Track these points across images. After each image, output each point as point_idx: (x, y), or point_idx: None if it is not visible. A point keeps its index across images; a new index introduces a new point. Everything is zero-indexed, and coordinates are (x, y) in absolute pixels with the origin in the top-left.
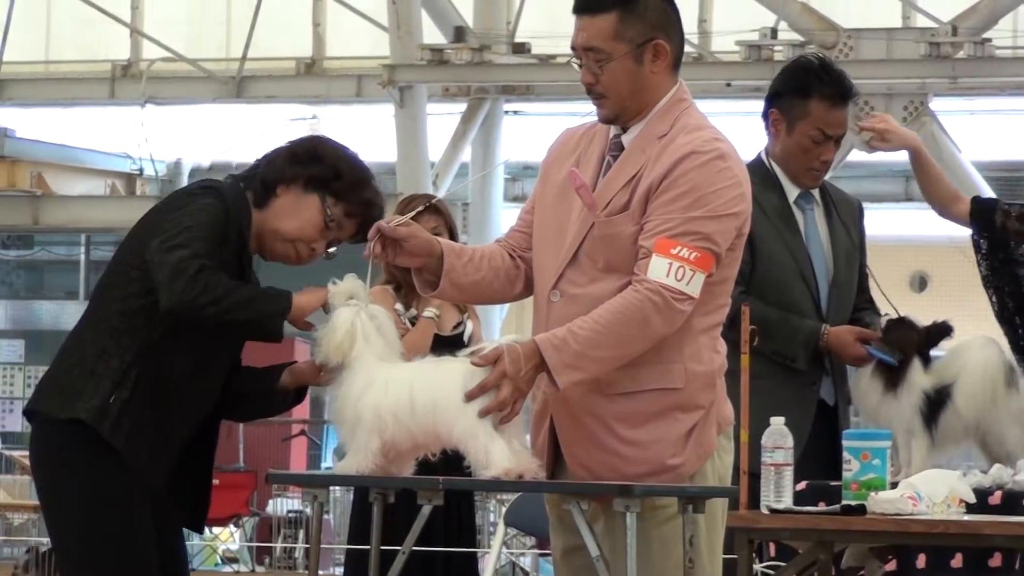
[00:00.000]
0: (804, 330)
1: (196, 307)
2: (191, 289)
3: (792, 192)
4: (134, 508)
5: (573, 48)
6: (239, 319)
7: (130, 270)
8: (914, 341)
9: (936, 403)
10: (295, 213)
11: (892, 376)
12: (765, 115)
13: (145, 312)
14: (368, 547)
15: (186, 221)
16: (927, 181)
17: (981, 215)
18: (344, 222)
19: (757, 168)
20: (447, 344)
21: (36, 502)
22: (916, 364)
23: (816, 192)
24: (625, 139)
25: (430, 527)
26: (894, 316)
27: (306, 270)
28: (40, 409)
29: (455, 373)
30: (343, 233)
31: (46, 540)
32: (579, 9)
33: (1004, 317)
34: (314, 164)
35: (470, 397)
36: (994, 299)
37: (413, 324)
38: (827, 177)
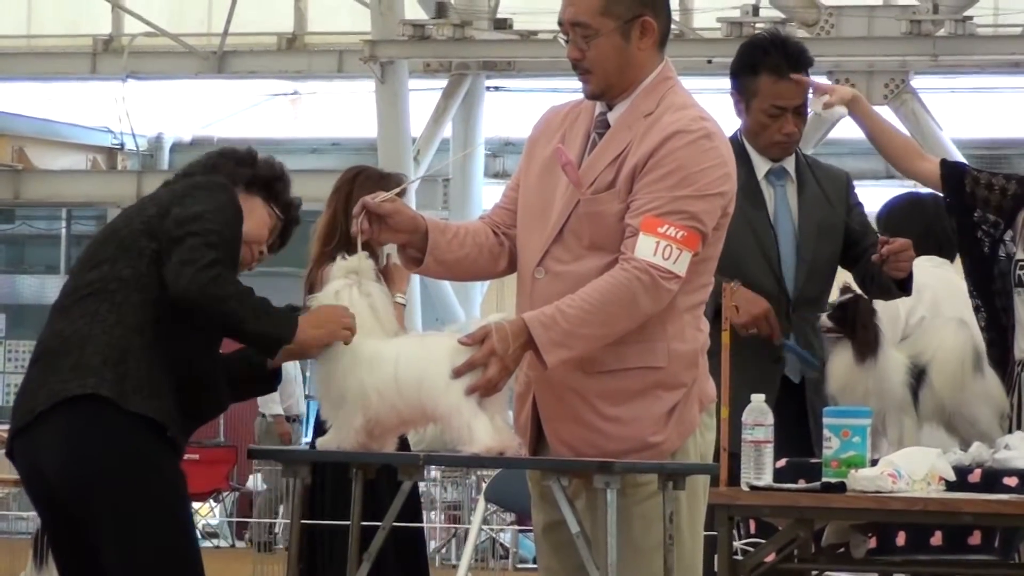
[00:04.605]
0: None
1: (207, 298)
2: (200, 279)
3: (762, 167)
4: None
5: (560, 23)
6: (248, 328)
7: (154, 254)
8: (871, 318)
9: (917, 380)
10: (248, 215)
11: (871, 353)
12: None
13: (175, 305)
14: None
15: (216, 214)
16: (875, 132)
17: (951, 179)
18: (279, 222)
19: (731, 144)
20: None
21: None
22: (887, 340)
23: (791, 167)
24: (611, 116)
25: (379, 502)
26: (847, 296)
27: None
28: (102, 394)
29: (441, 349)
30: (274, 235)
31: (25, 514)
32: None
33: (974, 282)
34: (257, 165)
35: (458, 374)
36: (967, 262)
37: None
38: (809, 153)
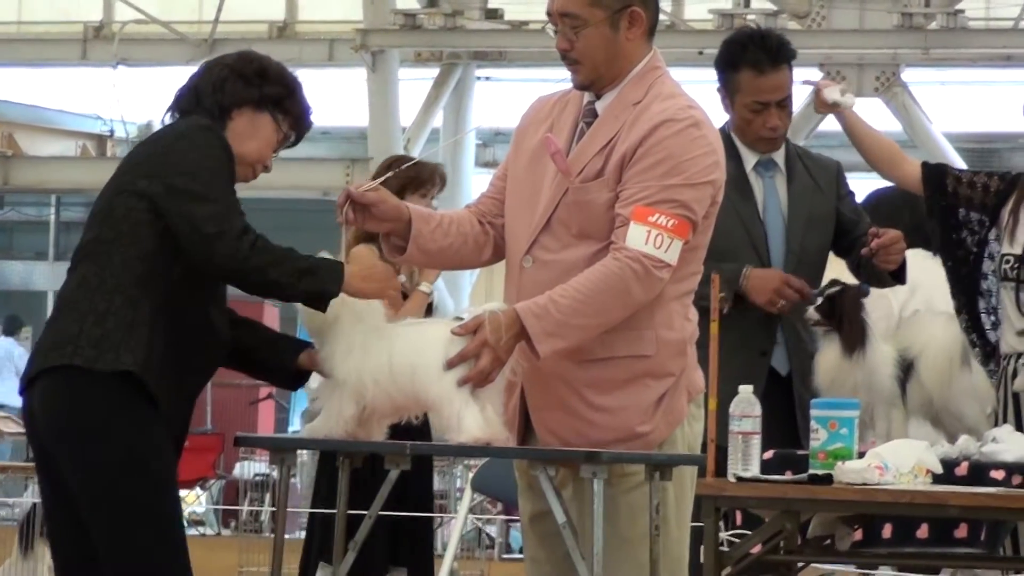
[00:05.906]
0: (725, 272)
1: (247, 271)
2: (239, 252)
3: (750, 159)
4: (172, 460)
5: (549, 14)
6: (291, 293)
7: (139, 214)
8: (858, 311)
9: (905, 374)
10: (253, 135)
11: (859, 346)
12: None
13: (162, 256)
14: (334, 511)
15: (204, 164)
16: (857, 133)
17: (933, 180)
18: (290, 134)
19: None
20: None
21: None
22: (875, 334)
23: (781, 159)
24: (599, 105)
25: (373, 490)
26: (834, 288)
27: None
28: (75, 363)
29: (435, 338)
30: (285, 144)
31: (11, 500)
32: None
33: (956, 284)
34: (265, 84)
35: (450, 365)
36: (949, 264)
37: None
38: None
